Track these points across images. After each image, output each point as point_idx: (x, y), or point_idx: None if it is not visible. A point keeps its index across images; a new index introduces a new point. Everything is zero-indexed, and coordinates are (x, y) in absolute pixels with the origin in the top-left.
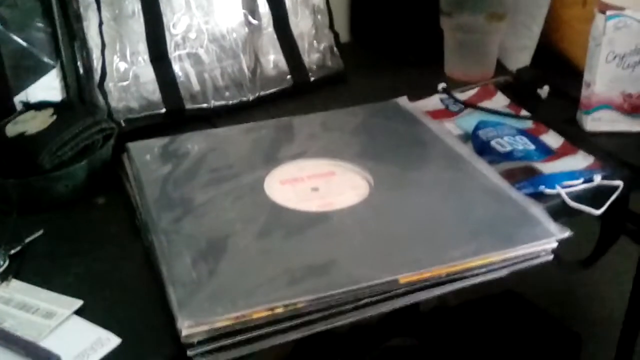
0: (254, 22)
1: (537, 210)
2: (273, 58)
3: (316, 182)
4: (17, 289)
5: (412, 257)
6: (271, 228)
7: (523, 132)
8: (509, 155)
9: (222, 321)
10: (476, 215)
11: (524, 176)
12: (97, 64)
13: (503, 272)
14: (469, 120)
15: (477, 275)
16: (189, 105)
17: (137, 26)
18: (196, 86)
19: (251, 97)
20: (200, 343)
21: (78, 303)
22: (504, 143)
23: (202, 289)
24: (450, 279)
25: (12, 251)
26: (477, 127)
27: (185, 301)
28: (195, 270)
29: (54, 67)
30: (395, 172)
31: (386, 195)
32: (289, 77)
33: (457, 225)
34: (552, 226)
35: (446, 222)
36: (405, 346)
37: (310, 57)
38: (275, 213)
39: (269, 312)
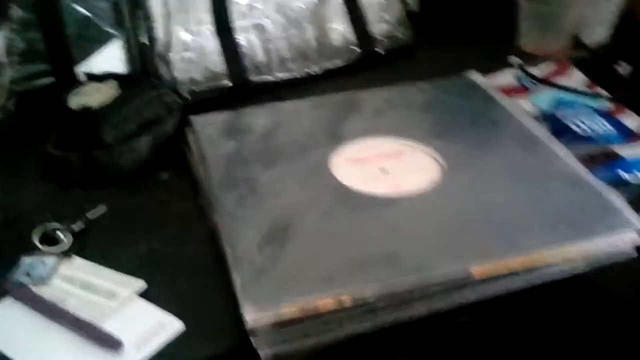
0: None
1: (617, 199)
2: (340, 29)
3: (384, 162)
4: (80, 267)
5: (486, 246)
6: (338, 211)
7: (602, 113)
8: (587, 138)
9: (288, 309)
10: (553, 203)
11: (602, 160)
12: (160, 34)
13: (581, 268)
14: (544, 99)
15: (553, 271)
16: (253, 77)
17: None
18: (261, 57)
19: (317, 69)
20: (265, 331)
21: (140, 284)
22: (582, 124)
23: (267, 275)
24: (525, 272)
25: (76, 229)
26: (554, 107)
27: (251, 288)
28: (261, 254)
29: (117, 37)
30: (466, 153)
31: (458, 178)
32: (355, 48)
33: (533, 213)
34: (633, 216)
35: (521, 210)
36: (466, 323)
37: (378, 28)
38: (341, 195)
39: (335, 301)
